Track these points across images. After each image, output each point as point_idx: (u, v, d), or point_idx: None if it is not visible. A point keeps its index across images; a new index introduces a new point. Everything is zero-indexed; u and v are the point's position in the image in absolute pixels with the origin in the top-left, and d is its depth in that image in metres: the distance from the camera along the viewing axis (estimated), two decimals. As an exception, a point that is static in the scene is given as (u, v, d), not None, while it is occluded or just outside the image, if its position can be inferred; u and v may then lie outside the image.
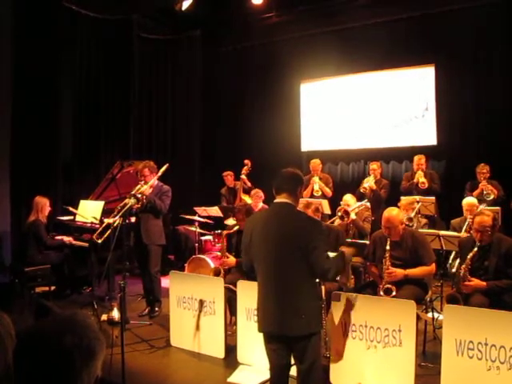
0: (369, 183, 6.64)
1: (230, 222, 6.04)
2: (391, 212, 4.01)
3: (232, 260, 4.65)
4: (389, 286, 3.82)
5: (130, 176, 5.88)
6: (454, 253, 4.76)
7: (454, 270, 4.27)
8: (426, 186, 6.49)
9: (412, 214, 5.45)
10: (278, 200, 2.76)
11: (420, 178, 6.53)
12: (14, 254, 6.09)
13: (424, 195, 6.24)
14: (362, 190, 6.58)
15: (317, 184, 7.11)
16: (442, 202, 6.49)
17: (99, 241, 4.69)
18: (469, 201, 5.38)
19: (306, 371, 2.70)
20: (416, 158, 6.77)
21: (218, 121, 9.33)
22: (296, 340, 2.67)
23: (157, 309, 5.16)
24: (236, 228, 4.84)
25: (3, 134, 6.09)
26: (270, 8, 8.27)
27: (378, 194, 6.63)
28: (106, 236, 4.66)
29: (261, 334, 2.82)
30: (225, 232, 4.89)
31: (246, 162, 7.48)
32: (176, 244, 7.62)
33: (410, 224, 5.26)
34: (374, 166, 6.96)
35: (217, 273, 4.67)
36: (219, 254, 5.09)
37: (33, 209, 5.75)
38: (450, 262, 4.82)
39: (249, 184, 7.35)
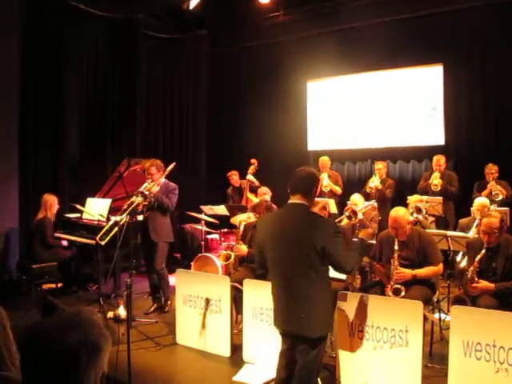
0: (374, 183, 6.59)
1: (237, 220, 6.04)
2: (398, 212, 3.95)
3: (244, 248, 4.68)
4: (398, 286, 3.79)
5: (136, 174, 5.88)
6: (461, 254, 4.70)
7: (461, 264, 4.18)
8: (439, 188, 6.30)
9: (421, 205, 5.38)
10: (291, 201, 2.70)
11: (434, 180, 6.34)
12: (22, 251, 6.13)
13: (439, 197, 6.11)
14: (367, 191, 6.53)
15: (325, 179, 6.97)
16: (458, 204, 6.31)
17: (102, 243, 4.69)
18: (480, 201, 5.30)
19: (302, 372, 2.70)
20: (435, 158, 6.59)
21: (224, 120, 9.33)
22: (305, 340, 2.65)
23: (169, 302, 5.17)
24: (254, 222, 4.87)
25: (11, 132, 6.15)
26: (276, 7, 8.26)
27: (383, 194, 6.57)
28: (110, 236, 4.66)
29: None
30: (244, 222, 4.97)
31: (253, 161, 7.48)
32: (182, 242, 7.63)
33: (420, 215, 5.18)
34: (379, 165, 6.90)
35: (227, 258, 4.71)
36: (233, 243, 5.15)
37: (41, 206, 5.79)
38: (458, 260, 4.76)
39: (257, 183, 7.33)
